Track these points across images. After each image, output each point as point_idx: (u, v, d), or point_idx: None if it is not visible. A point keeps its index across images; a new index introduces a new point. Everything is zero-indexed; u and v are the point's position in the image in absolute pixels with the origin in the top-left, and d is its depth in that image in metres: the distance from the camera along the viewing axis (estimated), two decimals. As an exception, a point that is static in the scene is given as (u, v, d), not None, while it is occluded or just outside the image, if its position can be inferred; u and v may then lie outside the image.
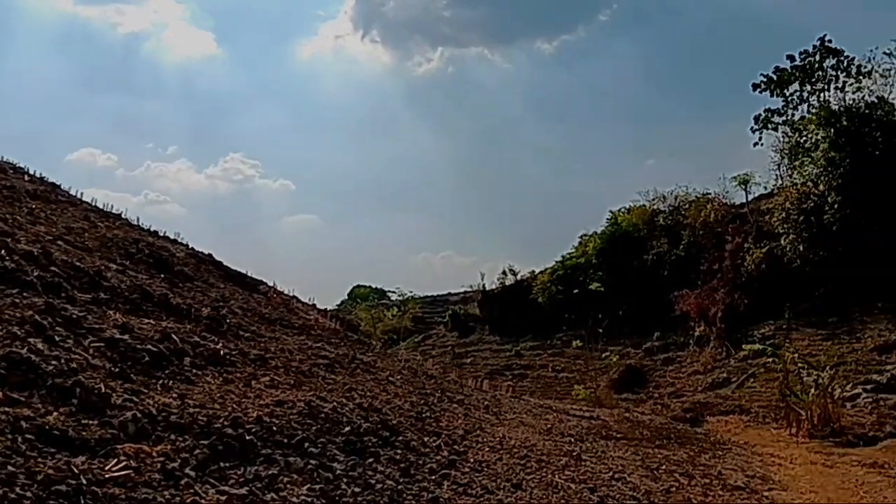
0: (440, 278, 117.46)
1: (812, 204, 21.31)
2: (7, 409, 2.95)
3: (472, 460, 5.70)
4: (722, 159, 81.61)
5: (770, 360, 16.87)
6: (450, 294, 49.11)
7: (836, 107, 23.14)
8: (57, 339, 3.97)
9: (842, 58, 24.54)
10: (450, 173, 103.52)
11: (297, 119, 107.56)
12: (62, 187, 10.41)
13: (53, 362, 3.57)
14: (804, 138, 23.64)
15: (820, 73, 25.07)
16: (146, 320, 5.39)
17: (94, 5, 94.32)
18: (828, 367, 14.65)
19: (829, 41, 24.90)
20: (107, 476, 2.81)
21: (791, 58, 25.97)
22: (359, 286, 64.38)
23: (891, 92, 22.39)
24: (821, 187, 21.30)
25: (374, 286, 63.67)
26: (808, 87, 25.62)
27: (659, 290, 26.09)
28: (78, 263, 5.90)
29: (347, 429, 4.81)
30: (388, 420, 5.70)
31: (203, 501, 2.99)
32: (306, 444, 4.15)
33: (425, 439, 5.76)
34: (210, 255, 11.20)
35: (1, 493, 2.36)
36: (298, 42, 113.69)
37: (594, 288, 23.23)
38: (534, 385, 24.95)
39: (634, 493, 6.38)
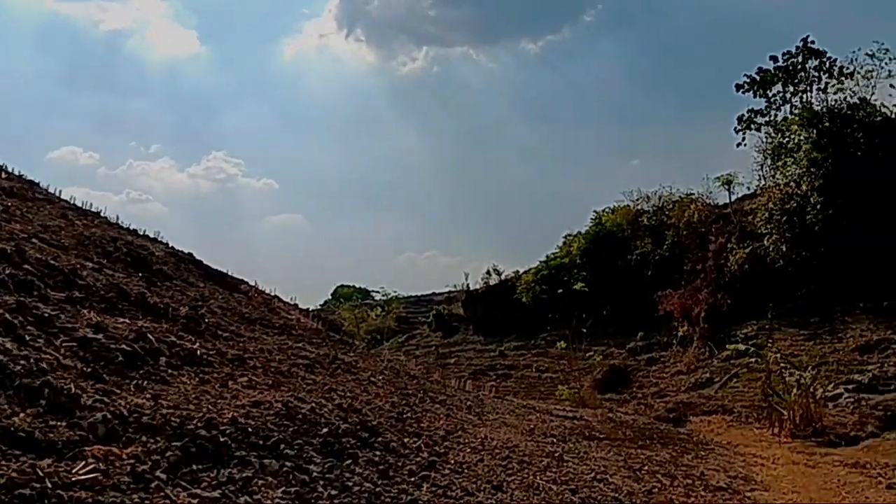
0: (424, 278, 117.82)
1: (795, 204, 21.41)
2: (-30, 410, 2.87)
3: (452, 462, 5.65)
4: (706, 160, 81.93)
5: (753, 360, 16.94)
6: (434, 294, 49.08)
7: (819, 108, 23.25)
8: (27, 338, 3.89)
9: (824, 59, 24.63)
10: (434, 173, 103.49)
11: (280, 118, 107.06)
12: (40, 185, 10.28)
13: (22, 362, 3.49)
14: (787, 139, 23.73)
15: (802, 74, 25.15)
16: (121, 319, 5.30)
17: (76, 2, 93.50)
18: (810, 367, 14.75)
19: (812, 42, 25.03)
20: (73, 479, 2.73)
21: (774, 59, 26.04)
22: (343, 286, 64.25)
23: (873, 93, 22.53)
24: (803, 188, 21.39)
25: (358, 286, 63.68)
26: (791, 88, 25.68)
27: (643, 290, 26.16)
28: (52, 262, 5.80)
29: (325, 430, 4.75)
30: (368, 421, 5.64)
31: (173, 505, 2.92)
32: (282, 446, 4.08)
33: (405, 440, 5.70)
34: (190, 254, 11.10)
35: (-41, 497, 2.29)
36: (282, 41, 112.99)
37: (578, 288, 23.31)
38: (517, 385, 24.96)
39: (616, 494, 6.35)
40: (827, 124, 21.45)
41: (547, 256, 33.86)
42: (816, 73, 24.78)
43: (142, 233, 10.82)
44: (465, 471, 5.47)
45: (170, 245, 11.03)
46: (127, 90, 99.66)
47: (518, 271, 35.48)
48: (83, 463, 2.88)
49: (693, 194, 28.97)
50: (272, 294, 12.55)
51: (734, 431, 14.52)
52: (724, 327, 22.27)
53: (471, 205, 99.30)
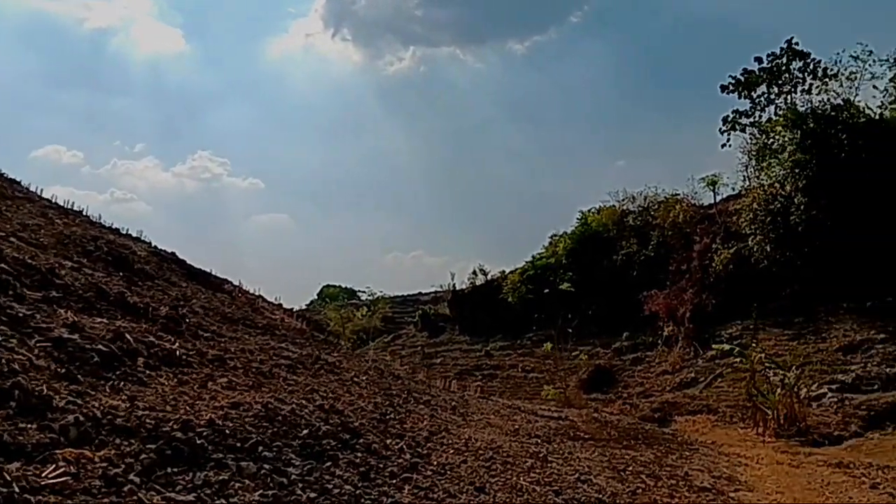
0: (411, 278, 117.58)
1: (779, 205, 21.51)
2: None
3: (435, 463, 5.60)
4: (691, 160, 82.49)
5: (737, 360, 16.99)
6: (420, 294, 49.05)
7: (803, 109, 23.34)
8: (-1, 338, 3.81)
9: (808, 60, 24.73)
10: (421, 173, 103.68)
11: (266, 117, 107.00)
12: (21, 183, 10.16)
13: (-8, 363, 3.42)
14: (771, 140, 23.84)
15: (787, 75, 25.23)
16: (99, 319, 5.22)
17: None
18: (794, 367, 14.81)
19: (797, 44, 25.12)
20: (42, 483, 2.67)
21: (759, 60, 26.12)
22: (328, 286, 64.07)
23: (856, 94, 22.65)
24: (787, 188, 21.49)
25: (343, 286, 63.57)
26: (776, 89, 25.76)
27: (628, 290, 26.22)
28: (30, 261, 5.71)
29: (305, 431, 4.69)
30: (350, 422, 5.58)
31: (146, 509, 2.86)
32: (261, 448, 4.02)
33: (388, 442, 5.64)
34: (173, 254, 11.01)
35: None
36: (268, 40, 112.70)
37: (564, 288, 23.25)
38: (503, 385, 24.94)
39: (600, 495, 6.32)
40: (811, 125, 21.56)
41: (533, 256, 33.90)
42: (801, 75, 24.88)
43: (124, 232, 10.73)
44: (448, 472, 5.42)
45: (153, 244, 10.94)
46: (111, 88, 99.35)
47: (504, 271, 35.50)
48: (53, 466, 2.82)
49: (678, 195, 29.09)
50: (256, 294, 12.48)
51: (719, 431, 14.56)
52: (708, 327, 22.34)
53: (457, 205, 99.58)
